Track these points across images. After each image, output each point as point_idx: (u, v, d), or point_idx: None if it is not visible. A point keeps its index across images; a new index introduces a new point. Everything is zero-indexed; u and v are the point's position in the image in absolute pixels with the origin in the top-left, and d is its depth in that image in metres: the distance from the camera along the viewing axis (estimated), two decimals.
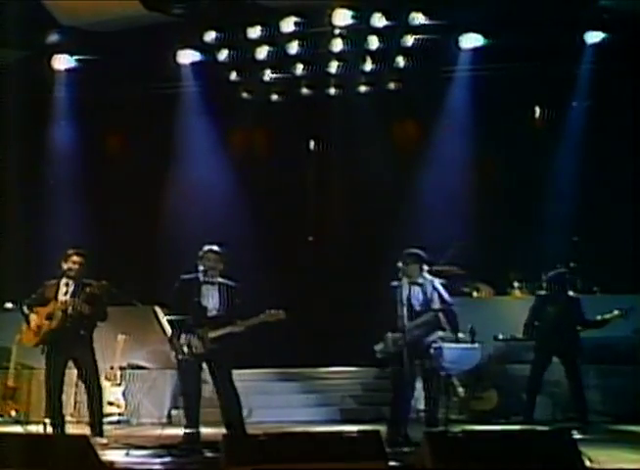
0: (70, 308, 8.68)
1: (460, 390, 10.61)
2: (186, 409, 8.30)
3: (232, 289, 8.30)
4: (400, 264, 8.37)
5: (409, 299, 8.28)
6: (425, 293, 8.27)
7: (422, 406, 8.73)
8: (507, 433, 7.54)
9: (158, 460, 7.50)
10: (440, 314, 8.36)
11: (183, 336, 8.06)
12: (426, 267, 8.40)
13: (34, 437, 7.18)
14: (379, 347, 8.33)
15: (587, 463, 6.06)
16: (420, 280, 8.33)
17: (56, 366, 8.74)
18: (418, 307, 8.26)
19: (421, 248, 8.51)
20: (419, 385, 8.51)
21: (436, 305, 8.26)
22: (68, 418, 9.37)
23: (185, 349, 8.03)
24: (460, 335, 8.50)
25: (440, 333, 8.47)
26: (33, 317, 8.75)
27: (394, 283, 8.41)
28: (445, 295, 8.35)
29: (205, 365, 8.27)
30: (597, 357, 10.53)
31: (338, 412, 11.06)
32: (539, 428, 8.76)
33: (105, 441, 8.48)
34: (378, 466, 5.87)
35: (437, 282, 8.40)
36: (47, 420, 8.68)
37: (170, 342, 8.27)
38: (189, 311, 8.11)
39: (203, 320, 8.12)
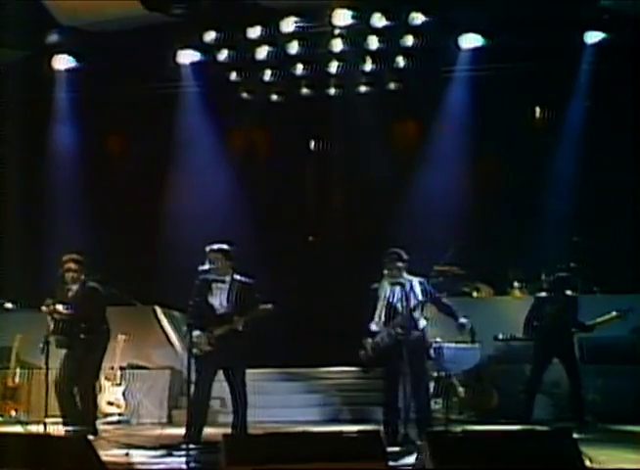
0: (68, 312, 8.76)
1: (460, 390, 10.62)
2: (191, 407, 8.21)
3: (247, 286, 8.29)
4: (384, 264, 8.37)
5: (390, 299, 8.31)
6: (406, 293, 8.21)
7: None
8: (507, 433, 7.53)
9: (158, 460, 7.51)
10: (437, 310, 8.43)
11: (192, 334, 8.06)
12: (401, 264, 8.33)
13: (34, 437, 7.17)
14: (362, 352, 8.38)
15: (587, 463, 6.06)
16: (401, 280, 8.30)
17: (64, 368, 8.84)
18: (400, 308, 8.23)
19: (402, 247, 8.48)
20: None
21: (415, 303, 8.24)
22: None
23: (193, 347, 8.02)
24: (462, 320, 8.41)
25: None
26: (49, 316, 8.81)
27: (375, 285, 8.44)
28: (429, 288, 8.35)
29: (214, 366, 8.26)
30: (597, 357, 10.53)
31: (337, 412, 11.07)
32: (539, 428, 8.74)
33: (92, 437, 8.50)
34: (378, 466, 5.87)
35: (417, 281, 8.36)
36: (48, 420, 8.67)
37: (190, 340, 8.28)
38: (200, 310, 8.12)
39: (210, 318, 8.15)
